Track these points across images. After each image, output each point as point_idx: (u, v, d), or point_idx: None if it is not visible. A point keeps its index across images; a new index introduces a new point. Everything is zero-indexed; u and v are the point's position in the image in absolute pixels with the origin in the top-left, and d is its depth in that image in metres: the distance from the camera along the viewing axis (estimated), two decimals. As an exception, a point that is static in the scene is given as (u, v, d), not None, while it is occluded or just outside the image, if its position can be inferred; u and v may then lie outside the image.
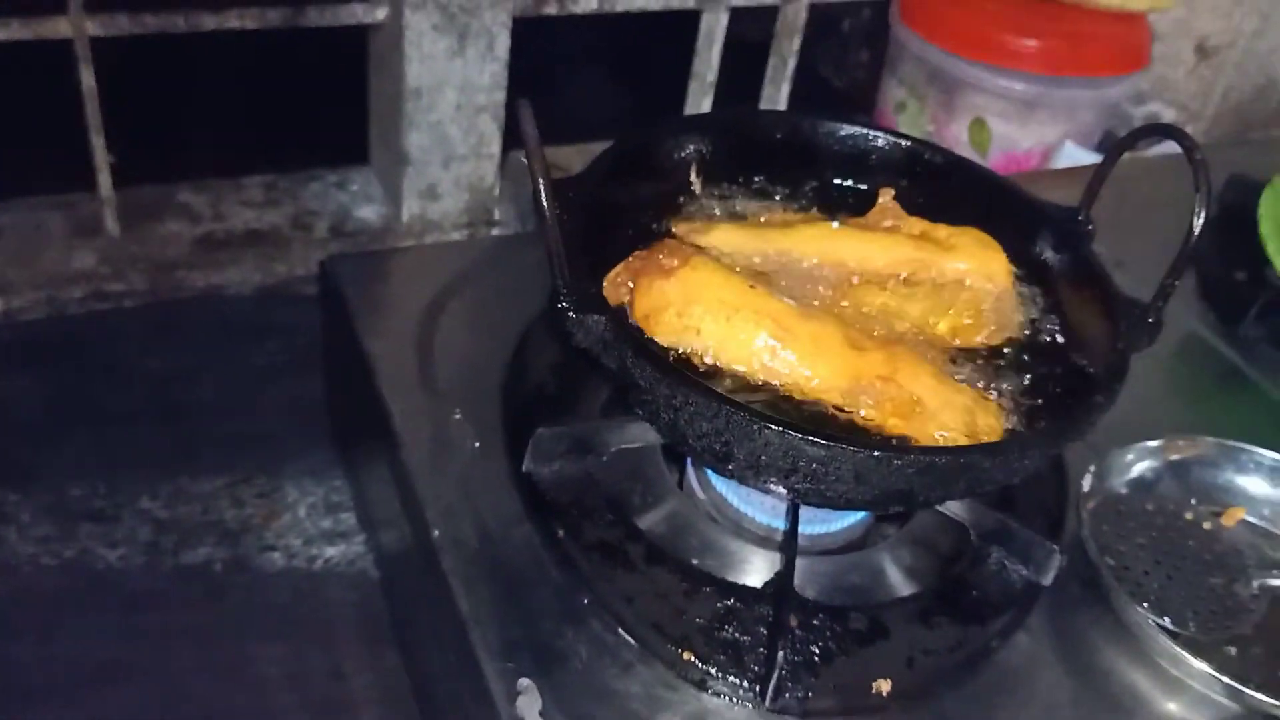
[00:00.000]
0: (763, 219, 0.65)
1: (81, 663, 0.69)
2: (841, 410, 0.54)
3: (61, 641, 0.70)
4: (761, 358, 0.54)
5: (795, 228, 0.63)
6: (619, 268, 0.56)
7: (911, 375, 0.54)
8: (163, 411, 0.84)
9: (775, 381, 0.54)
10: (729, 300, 0.54)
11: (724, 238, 0.61)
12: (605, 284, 0.55)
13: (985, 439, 0.53)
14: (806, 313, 0.56)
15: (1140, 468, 0.67)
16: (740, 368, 0.54)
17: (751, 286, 0.55)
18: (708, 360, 0.55)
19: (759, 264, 0.61)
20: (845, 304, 0.60)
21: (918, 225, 0.65)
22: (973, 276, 0.62)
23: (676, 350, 0.55)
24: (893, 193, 0.66)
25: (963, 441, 0.52)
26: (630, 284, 0.56)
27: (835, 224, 0.65)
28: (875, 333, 0.59)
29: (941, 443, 0.53)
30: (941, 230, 0.64)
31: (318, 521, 0.79)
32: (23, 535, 0.74)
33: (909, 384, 0.54)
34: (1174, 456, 0.68)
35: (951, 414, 0.53)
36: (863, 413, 0.54)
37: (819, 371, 0.54)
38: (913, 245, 0.63)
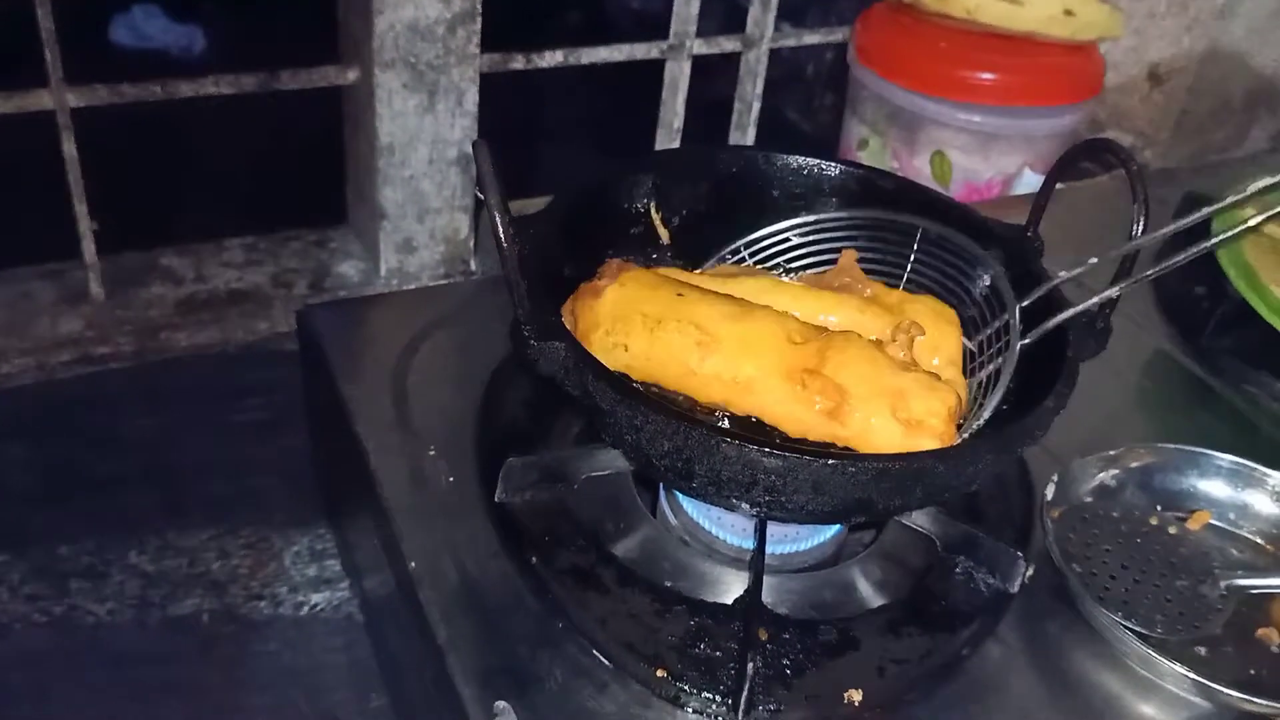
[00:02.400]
0: (713, 269, 0.66)
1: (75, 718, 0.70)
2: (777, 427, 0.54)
3: (54, 698, 0.71)
4: (691, 365, 0.54)
5: (739, 279, 0.63)
6: (570, 298, 0.57)
7: (839, 364, 0.54)
8: (149, 469, 0.86)
9: (715, 390, 0.54)
10: (653, 312, 0.54)
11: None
12: (563, 313, 0.57)
13: (927, 423, 0.53)
14: (745, 313, 0.55)
15: (1103, 476, 0.68)
16: (675, 379, 0.54)
17: (680, 295, 0.55)
18: (640, 377, 0.55)
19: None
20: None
21: (872, 288, 0.64)
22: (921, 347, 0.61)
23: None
24: (855, 255, 0.66)
25: (897, 430, 0.53)
26: (571, 312, 0.56)
27: (785, 278, 0.65)
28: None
29: (876, 431, 0.53)
30: (895, 295, 0.63)
31: (304, 570, 0.80)
32: (14, 594, 0.75)
33: (836, 373, 0.53)
34: (1136, 464, 0.69)
35: (878, 402, 0.53)
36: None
37: (749, 371, 0.53)
38: (857, 306, 0.61)
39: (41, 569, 0.77)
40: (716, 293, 0.57)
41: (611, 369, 0.54)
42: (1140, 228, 0.57)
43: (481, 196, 0.51)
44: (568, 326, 0.56)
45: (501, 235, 0.50)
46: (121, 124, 0.95)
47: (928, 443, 0.54)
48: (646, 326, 0.55)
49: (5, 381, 0.88)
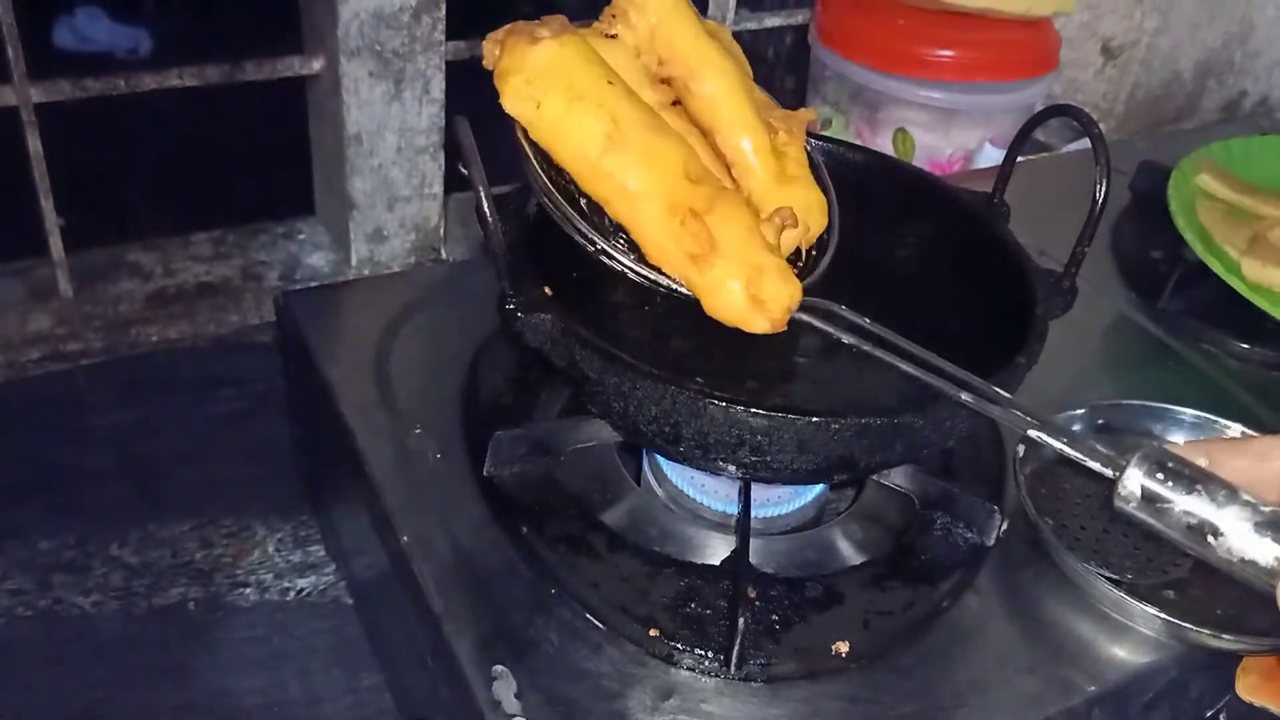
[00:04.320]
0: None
1: (63, 711, 0.70)
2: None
3: (41, 690, 0.71)
4: (590, 153, 0.54)
5: (671, 112, 0.62)
6: (499, 31, 0.56)
7: (723, 218, 0.55)
8: (127, 464, 0.86)
9: (601, 185, 0.55)
10: (578, 85, 0.54)
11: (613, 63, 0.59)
12: (484, 42, 0.56)
13: (768, 305, 0.55)
14: (660, 128, 0.56)
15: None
16: (570, 158, 0.54)
17: (610, 82, 0.55)
18: (537, 137, 0.55)
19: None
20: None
21: (792, 149, 0.64)
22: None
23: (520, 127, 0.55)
24: (816, 119, 0.66)
25: (742, 300, 0.55)
26: (500, 48, 0.56)
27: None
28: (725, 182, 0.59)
29: (725, 292, 0.55)
30: (798, 169, 0.63)
31: (287, 556, 0.81)
32: (-4, 589, 0.75)
33: (715, 226, 0.54)
34: (1102, 420, 0.71)
35: (739, 268, 0.54)
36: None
37: (640, 184, 0.54)
38: (754, 149, 0.61)
39: (23, 563, 0.77)
40: (644, 102, 0.57)
41: (511, 114, 0.55)
42: (1103, 190, 0.59)
43: (465, 172, 0.51)
44: (488, 57, 0.56)
45: (486, 210, 0.51)
46: (84, 120, 0.95)
47: (760, 324, 0.56)
48: (567, 96, 0.54)
49: (-24, 381, 0.88)
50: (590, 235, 0.57)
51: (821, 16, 1.13)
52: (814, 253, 0.64)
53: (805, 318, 0.57)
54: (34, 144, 0.87)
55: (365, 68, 0.91)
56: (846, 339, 0.56)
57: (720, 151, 0.61)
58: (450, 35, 0.94)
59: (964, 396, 0.52)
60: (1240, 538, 0.45)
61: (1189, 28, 1.27)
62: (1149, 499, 0.47)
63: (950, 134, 1.11)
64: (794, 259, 0.63)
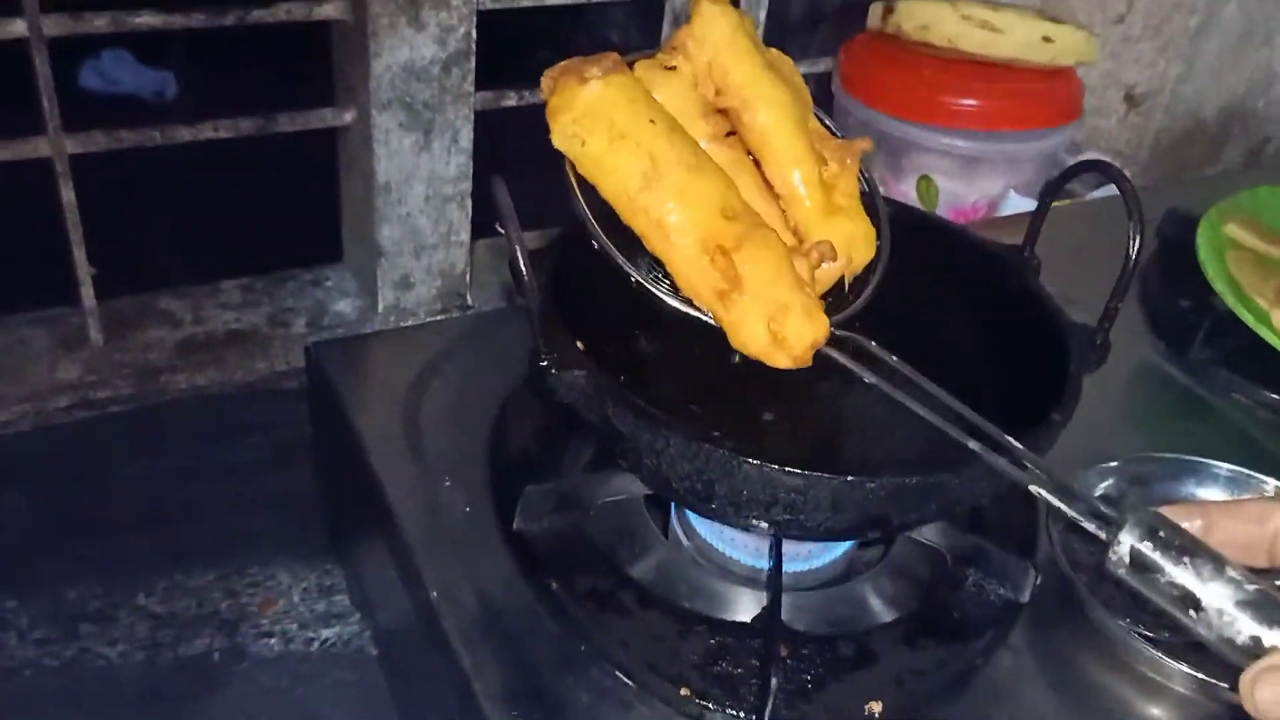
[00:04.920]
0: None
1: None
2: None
3: (66, 742, 0.71)
4: (629, 189, 0.55)
5: (718, 144, 0.62)
6: (556, 67, 0.57)
7: (752, 255, 0.55)
8: (153, 511, 0.86)
9: (639, 220, 0.56)
10: (619, 125, 0.55)
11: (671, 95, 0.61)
12: (543, 76, 0.57)
13: (789, 342, 0.55)
14: (698, 167, 0.57)
15: (1104, 487, 0.69)
16: (611, 192, 0.56)
17: (652, 121, 0.56)
18: (582, 171, 0.56)
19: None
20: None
21: (844, 180, 0.64)
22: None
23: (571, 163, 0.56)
24: (870, 147, 0.66)
25: (765, 336, 0.55)
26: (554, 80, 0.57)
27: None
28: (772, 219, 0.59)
29: (749, 329, 0.55)
30: (846, 201, 0.63)
31: (312, 605, 0.81)
32: (23, 640, 0.75)
33: (744, 263, 0.55)
34: (1136, 473, 0.70)
35: (763, 305, 0.55)
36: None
37: (674, 221, 0.55)
38: (803, 180, 0.61)
39: (49, 614, 0.77)
40: (685, 134, 0.58)
41: (559, 149, 0.56)
42: (1136, 245, 0.59)
43: (502, 231, 0.52)
44: (545, 90, 0.57)
45: (522, 266, 0.51)
46: (114, 167, 0.96)
47: (782, 360, 0.56)
48: (609, 135, 0.55)
49: (4, 428, 0.88)
50: (628, 268, 0.57)
51: (845, 64, 1.14)
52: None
53: (832, 354, 0.57)
54: (67, 194, 0.88)
55: (395, 119, 0.92)
56: (870, 379, 0.56)
57: (770, 182, 0.61)
58: (478, 85, 0.95)
59: (971, 444, 0.52)
60: (1220, 615, 0.44)
61: (1212, 75, 1.28)
62: (1139, 566, 0.46)
63: (974, 182, 1.11)
64: (838, 287, 0.63)
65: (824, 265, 0.59)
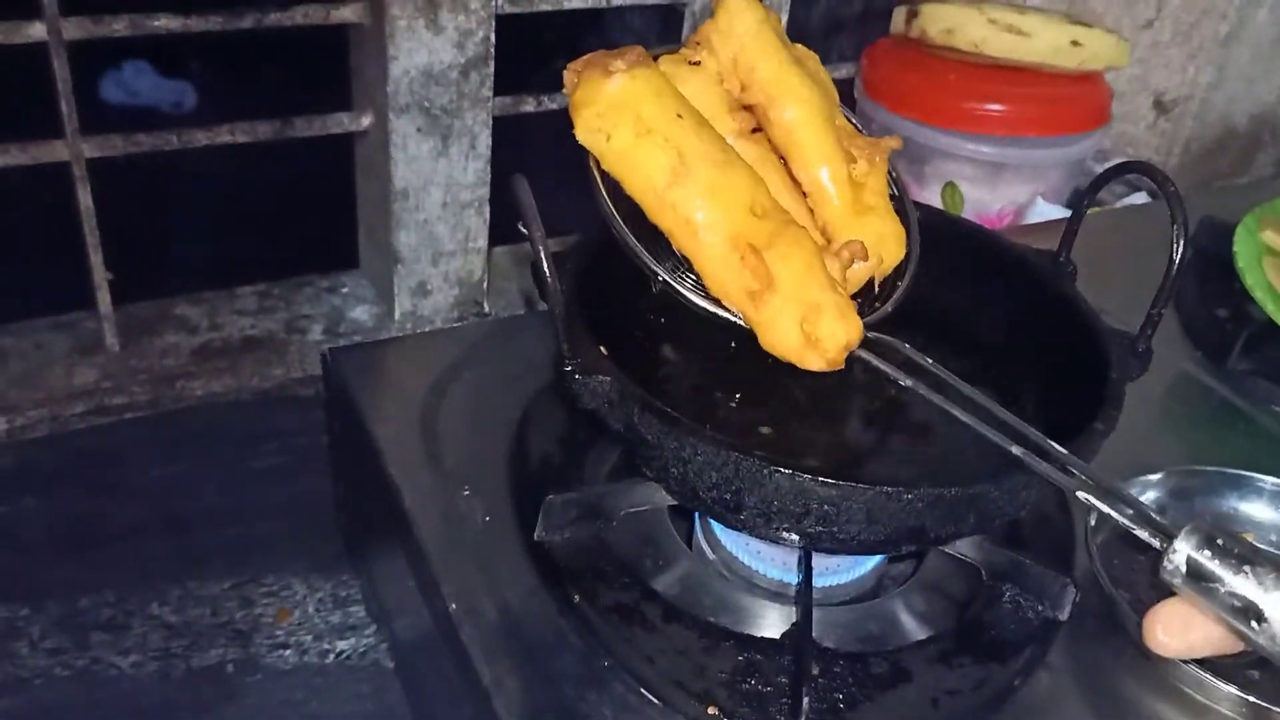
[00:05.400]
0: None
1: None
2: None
3: (77, 754, 0.69)
4: (656, 185, 0.54)
5: (744, 140, 0.61)
6: (579, 60, 0.56)
7: (783, 254, 0.54)
8: (167, 519, 0.84)
9: (666, 217, 0.55)
10: (646, 119, 0.54)
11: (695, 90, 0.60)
12: (565, 70, 0.56)
13: (823, 344, 0.54)
14: (726, 163, 0.55)
15: (1144, 500, 0.67)
16: (638, 188, 0.55)
17: (680, 116, 0.55)
18: (607, 167, 0.55)
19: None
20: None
21: (873, 178, 0.62)
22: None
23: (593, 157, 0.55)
24: (900, 145, 0.65)
25: (797, 338, 0.54)
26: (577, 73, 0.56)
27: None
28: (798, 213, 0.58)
29: (781, 329, 0.54)
30: (876, 200, 0.62)
31: (327, 616, 0.79)
32: (34, 649, 0.74)
33: (775, 262, 0.53)
34: (1177, 487, 0.68)
35: (795, 306, 0.53)
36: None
37: (703, 218, 0.54)
38: (832, 179, 0.60)
39: (61, 622, 0.76)
40: (712, 129, 0.57)
41: (583, 144, 0.55)
42: (1179, 251, 0.57)
43: (524, 231, 0.50)
44: (567, 84, 0.56)
45: (546, 270, 0.50)
46: (131, 173, 0.95)
47: (815, 362, 0.55)
48: (635, 129, 0.54)
49: (20, 434, 0.87)
50: (654, 266, 0.56)
51: (868, 70, 1.12)
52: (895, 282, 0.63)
53: (866, 356, 0.55)
54: (84, 199, 0.87)
55: (413, 124, 0.91)
56: (906, 382, 0.54)
57: (797, 179, 0.60)
58: (496, 91, 0.94)
59: (1015, 450, 0.50)
60: None
61: (1244, 81, 1.25)
62: (1196, 575, 0.44)
63: (999, 188, 1.09)
64: (868, 288, 0.62)
65: (855, 265, 0.57)
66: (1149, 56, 1.23)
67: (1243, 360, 0.84)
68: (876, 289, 0.62)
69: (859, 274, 0.60)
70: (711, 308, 0.56)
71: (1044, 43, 1.03)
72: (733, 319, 0.56)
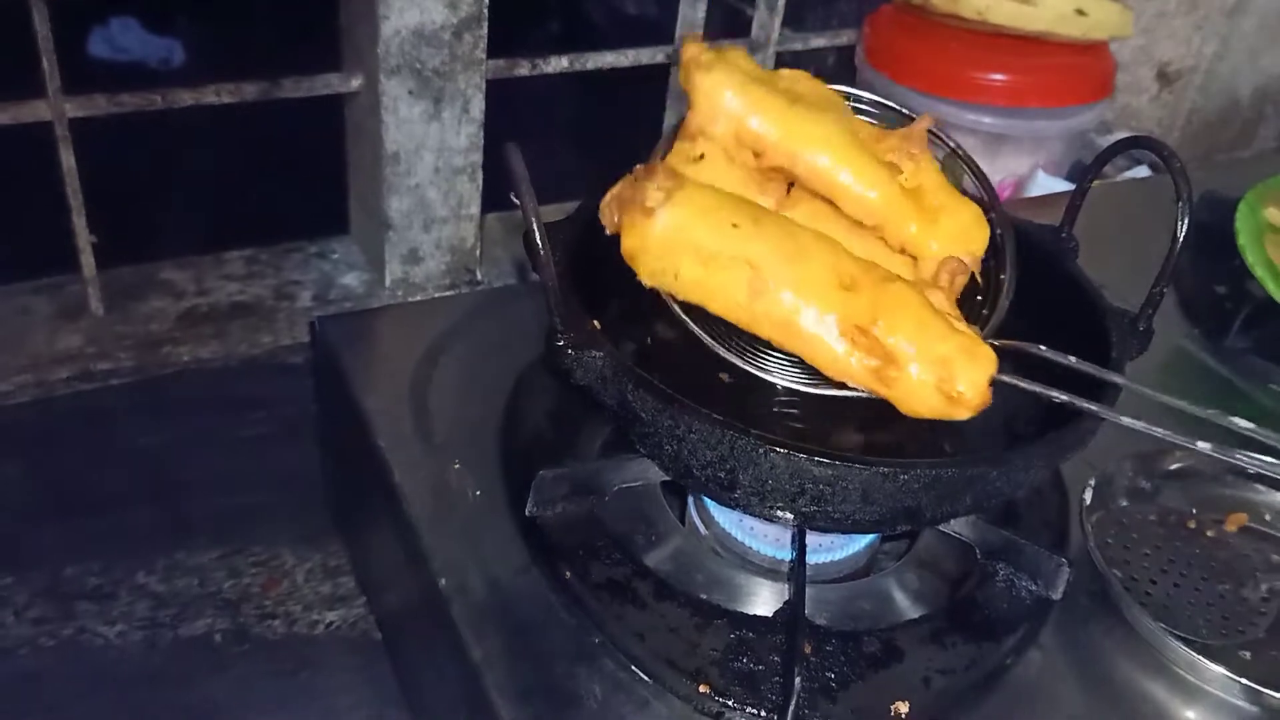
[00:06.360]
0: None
1: (84, 744, 0.68)
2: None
3: (63, 722, 0.69)
4: (740, 303, 0.53)
5: (794, 202, 0.60)
6: (609, 195, 0.54)
7: (890, 320, 0.52)
8: (154, 487, 0.84)
9: (762, 327, 0.54)
10: (707, 246, 0.52)
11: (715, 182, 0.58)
12: (600, 209, 0.54)
13: (966, 396, 0.52)
14: (798, 253, 0.53)
15: (1139, 479, 0.67)
16: (726, 310, 0.53)
17: (735, 225, 0.53)
18: (686, 299, 0.54)
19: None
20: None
21: (924, 175, 0.60)
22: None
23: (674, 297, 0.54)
24: (932, 121, 0.62)
25: (939, 401, 0.52)
26: (617, 217, 0.54)
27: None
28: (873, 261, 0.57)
29: (919, 399, 0.52)
30: (938, 197, 0.60)
31: (316, 587, 0.78)
32: (19, 618, 0.73)
33: (885, 333, 0.52)
34: (1171, 466, 0.68)
35: (924, 369, 0.52)
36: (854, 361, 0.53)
37: (801, 319, 0.53)
38: (886, 201, 0.58)
39: (47, 591, 0.75)
40: (769, 215, 0.55)
41: (651, 286, 0.54)
42: (1183, 228, 0.56)
43: (516, 201, 0.49)
44: (609, 226, 0.54)
45: (538, 240, 0.48)
46: (116, 134, 0.93)
47: (964, 413, 0.53)
48: (698, 259, 0.53)
49: (2, 399, 0.86)
50: (775, 379, 0.55)
51: (870, 38, 1.10)
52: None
53: (1011, 381, 0.54)
54: (67, 159, 0.85)
55: (405, 86, 0.89)
56: (1060, 397, 0.53)
57: (855, 218, 0.58)
58: (491, 53, 0.92)
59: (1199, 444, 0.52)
60: None
61: (1249, 53, 1.24)
62: None
63: (999, 160, 1.08)
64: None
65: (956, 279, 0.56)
66: (1153, 26, 1.21)
67: (1241, 338, 0.83)
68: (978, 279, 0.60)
69: (962, 279, 0.58)
70: (835, 392, 0.55)
71: (1049, 11, 1.02)
72: (861, 395, 0.54)
